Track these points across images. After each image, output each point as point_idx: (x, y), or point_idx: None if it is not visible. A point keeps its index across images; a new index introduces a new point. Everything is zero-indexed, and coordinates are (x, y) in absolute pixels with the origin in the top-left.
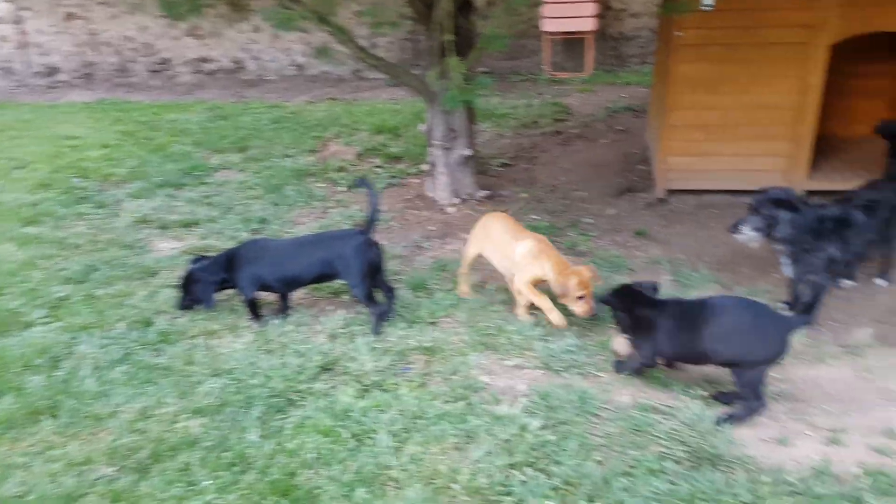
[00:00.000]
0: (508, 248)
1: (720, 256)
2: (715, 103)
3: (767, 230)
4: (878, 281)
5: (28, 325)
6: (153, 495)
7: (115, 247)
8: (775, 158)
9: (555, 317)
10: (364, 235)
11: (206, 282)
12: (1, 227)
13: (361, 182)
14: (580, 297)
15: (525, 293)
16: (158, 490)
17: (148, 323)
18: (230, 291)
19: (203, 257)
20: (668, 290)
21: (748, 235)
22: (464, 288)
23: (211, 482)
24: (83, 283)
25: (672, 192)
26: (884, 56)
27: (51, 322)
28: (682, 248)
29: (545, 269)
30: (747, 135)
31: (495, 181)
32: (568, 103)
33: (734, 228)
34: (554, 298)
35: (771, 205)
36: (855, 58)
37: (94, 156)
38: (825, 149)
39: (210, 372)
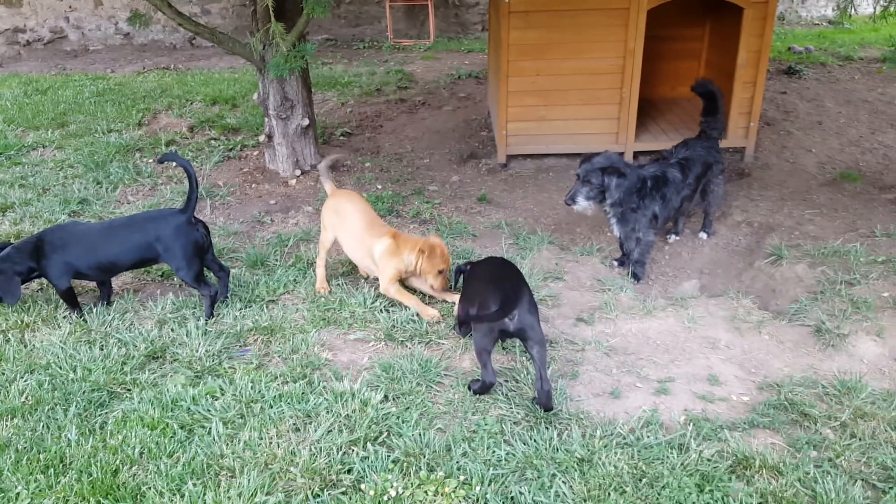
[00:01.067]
0: (365, 240)
1: (557, 218)
2: (547, 69)
3: (600, 197)
4: (702, 234)
5: None
6: None
7: None
8: (604, 121)
9: (428, 313)
10: (185, 214)
11: (8, 273)
12: None
13: (171, 156)
14: (440, 272)
15: (391, 295)
16: None
17: None
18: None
19: (7, 244)
20: (508, 252)
21: (583, 205)
22: (321, 281)
23: (24, 487)
24: None
25: (513, 157)
26: (696, 20)
27: None
28: (522, 211)
29: (407, 261)
30: (578, 99)
31: (339, 151)
32: (412, 71)
33: (570, 200)
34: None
35: (600, 173)
36: (673, 22)
37: None
38: (652, 111)
39: (23, 368)
